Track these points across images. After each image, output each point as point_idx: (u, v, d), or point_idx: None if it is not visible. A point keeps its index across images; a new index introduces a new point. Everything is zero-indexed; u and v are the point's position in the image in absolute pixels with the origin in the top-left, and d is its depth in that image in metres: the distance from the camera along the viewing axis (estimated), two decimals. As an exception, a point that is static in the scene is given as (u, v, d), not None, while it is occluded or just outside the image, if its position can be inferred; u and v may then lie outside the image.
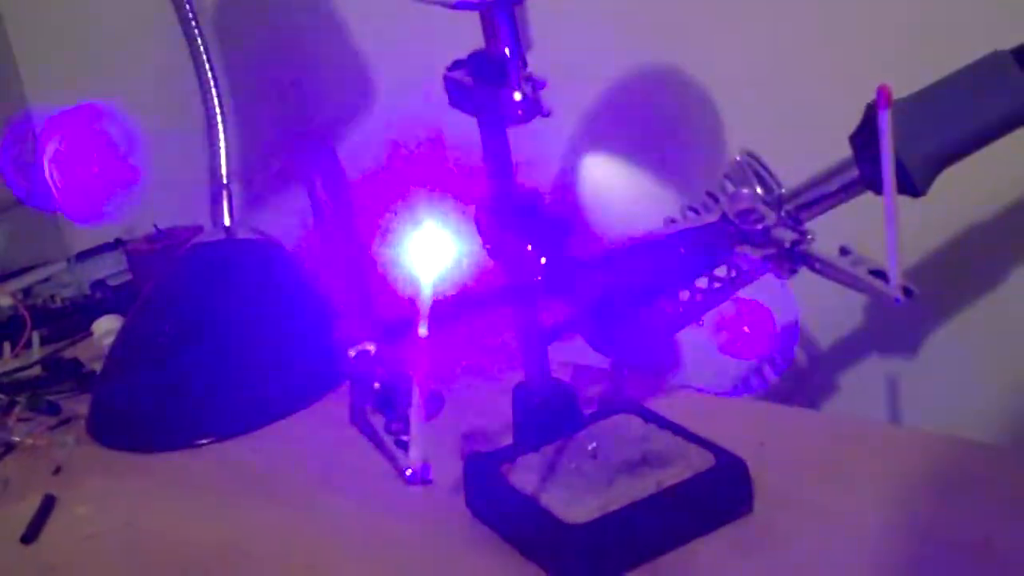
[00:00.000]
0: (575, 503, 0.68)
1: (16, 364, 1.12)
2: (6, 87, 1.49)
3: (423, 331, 0.55)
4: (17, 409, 1.01)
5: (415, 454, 0.58)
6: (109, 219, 0.97)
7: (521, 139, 0.68)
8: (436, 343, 0.57)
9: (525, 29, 0.63)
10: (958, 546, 0.65)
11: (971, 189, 0.76)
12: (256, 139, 1.14)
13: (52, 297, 1.28)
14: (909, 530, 0.67)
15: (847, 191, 0.68)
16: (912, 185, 0.64)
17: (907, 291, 0.61)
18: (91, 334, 1.16)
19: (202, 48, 1.05)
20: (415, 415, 0.57)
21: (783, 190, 0.69)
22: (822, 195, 0.69)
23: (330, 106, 1.24)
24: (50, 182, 0.91)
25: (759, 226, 0.67)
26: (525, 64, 0.64)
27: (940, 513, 0.68)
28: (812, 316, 0.94)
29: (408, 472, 0.58)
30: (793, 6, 0.88)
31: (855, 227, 0.67)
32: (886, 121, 0.58)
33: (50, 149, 0.91)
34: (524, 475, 0.72)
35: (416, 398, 0.57)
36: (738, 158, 0.70)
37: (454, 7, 0.63)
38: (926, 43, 0.81)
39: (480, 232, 0.70)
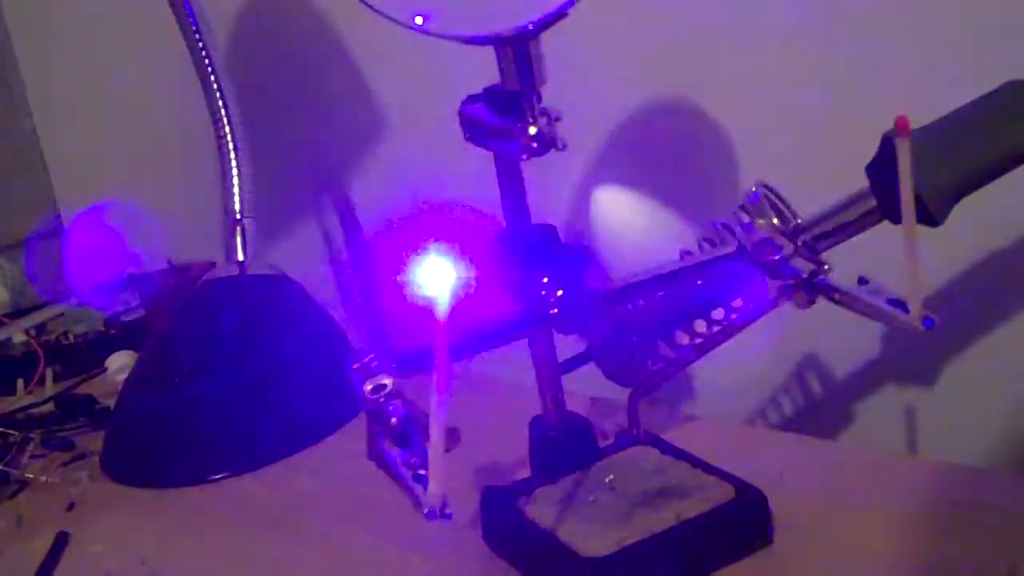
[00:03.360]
0: (593, 536, 0.68)
1: (30, 400, 1.12)
2: (18, 122, 1.50)
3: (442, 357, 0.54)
4: (30, 446, 1.01)
5: (434, 489, 0.57)
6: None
7: (536, 171, 0.69)
8: (453, 376, 0.57)
9: (540, 63, 0.64)
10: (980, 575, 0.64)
11: (988, 218, 0.76)
12: (270, 173, 1.14)
13: (65, 333, 1.28)
14: (930, 561, 0.66)
15: (864, 221, 0.68)
16: (929, 215, 0.64)
17: (928, 321, 0.60)
18: (105, 370, 1.16)
19: (215, 85, 1.05)
20: (434, 450, 0.57)
21: (799, 220, 0.69)
22: (839, 225, 0.69)
23: (343, 139, 1.24)
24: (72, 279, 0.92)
25: (776, 257, 0.66)
26: (540, 98, 0.64)
27: (961, 543, 0.67)
28: (829, 346, 0.93)
29: (427, 508, 0.58)
30: (808, 37, 0.88)
31: (872, 257, 0.67)
32: (905, 151, 0.58)
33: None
34: (541, 508, 0.72)
35: (435, 432, 0.56)
36: (754, 189, 0.70)
37: (468, 42, 0.64)
38: (942, 73, 0.81)
39: (495, 264, 0.70)
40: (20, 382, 1.17)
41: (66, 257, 0.89)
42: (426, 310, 0.57)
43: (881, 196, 0.66)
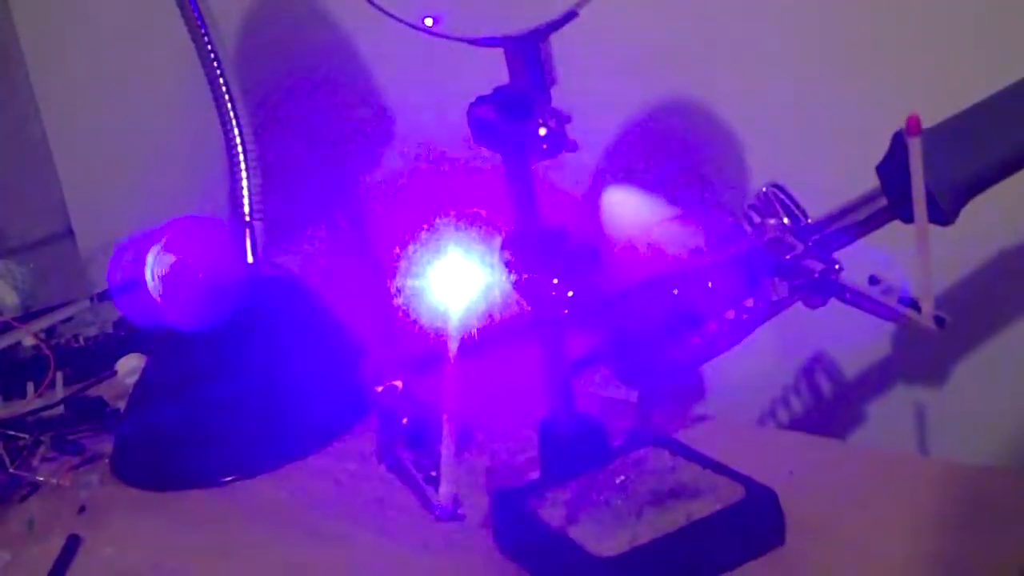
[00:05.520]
0: (605, 537, 0.68)
1: (40, 404, 1.12)
2: (27, 126, 1.50)
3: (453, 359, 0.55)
4: (41, 449, 1.01)
5: (445, 490, 0.58)
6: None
7: (546, 172, 0.69)
8: (464, 377, 0.57)
9: (550, 64, 0.64)
10: (991, 574, 0.64)
11: (999, 217, 0.76)
12: (278, 175, 1.14)
13: (76, 336, 1.28)
14: (941, 560, 0.66)
15: (875, 220, 0.68)
16: (940, 213, 0.64)
17: (939, 320, 0.60)
18: (115, 373, 1.16)
19: (223, 86, 1.05)
20: (445, 450, 0.57)
21: (809, 220, 0.69)
22: (850, 225, 0.69)
23: (351, 139, 1.24)
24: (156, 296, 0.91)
25: (787, 256, 0.66)
26: (549, 98, 0.64)
27: (972, 542, 0.67)
28: (838, 346, 0.93)
29: (439, 509, 0.58)
30: (819, 37, 0.88)
31: (882, 256, 0.67)
32: (916, 150, 0.58)
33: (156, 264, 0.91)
34: (552, 509, 0.72)
35: (446, 434, 0.57)
36: (764, 189, 0.70)
37: (478, 43, 0.64)
38: (953, 73, 0.81)
39: (506, 266, 0.70)
40: (30, 385, 1.17)
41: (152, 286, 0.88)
42: (438, 317, 0.57)
43: (892, 195, 0.66)
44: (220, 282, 0.95)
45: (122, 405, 1.07)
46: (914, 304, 0.63)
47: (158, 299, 0.90)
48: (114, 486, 0.96)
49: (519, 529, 0.73)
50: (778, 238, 0.67)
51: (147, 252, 0.91)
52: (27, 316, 1.34)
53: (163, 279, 0.91)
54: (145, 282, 0.90)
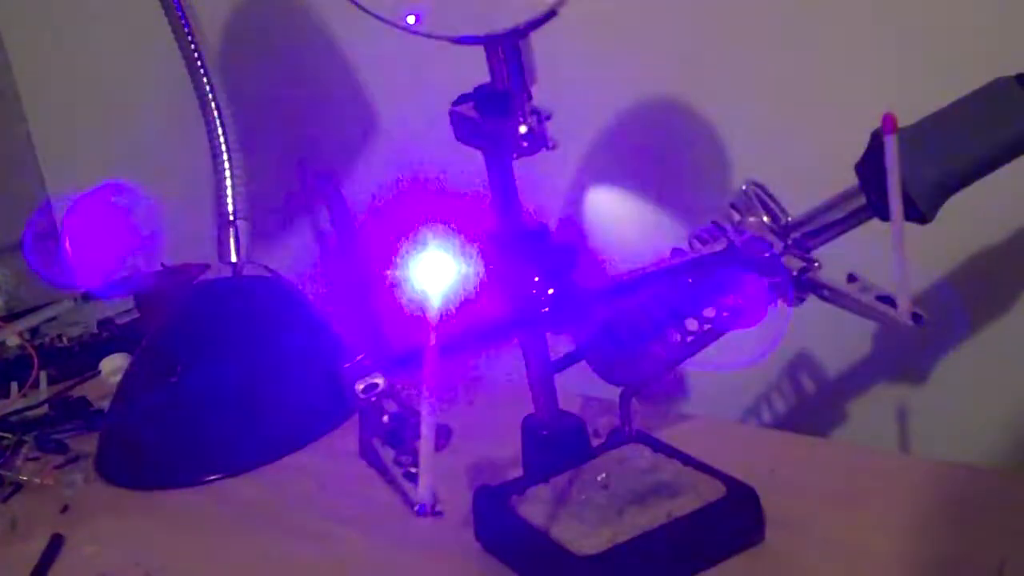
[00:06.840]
0: (586, 535, 0.68)
1: (24, 403, 1.12)
2: (12, 126, 1.50)
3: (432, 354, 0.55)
4: (25, 448, 1.01)
5: (424, 487, 0.58)
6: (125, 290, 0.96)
7: (527, 170, 0.69)
8: (444, 375, 0.57)
9: (530, 62, 0.64)
10: (971, 572, 0.64)
11: (978, 215, 0.76)
12: (262, 175, 1.14)
13: (60, 336, 1.28)
14: (921, 557, 0.66)
15: (854, 219, 0.68)
16: (919, 212, 0.65)
17: (916, 317, 0.61)
18: (99, 372, 1.16)
19: (208, 86, 1.05)
20: (424, 447, 0.57)
21: (789, 218, 0.69)
22: (829, 223, 0.69)
23: (335, 139, 1.25)
24: (71, 261, 0.91)
25: (766, 254, 0.67)
26: (530, 96, 0.64)
27: (952, 540, 0.68)
28: (821, 344, 0.94)
29: (417, 505, 0.58)
30: (796, 35, 0.88)
31: (862, 254, 0.68)
32: (892, 148, 0.59)
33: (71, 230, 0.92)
34: (534, 507, 0.72)
35: (425, 430, 0.57)
36: (744, 187, 0.70)
37: (459, 41, 0.64)
38: (930, 71, 0.82)
39: (487, 263, 0.70)
40: (14, 385, 1.16)
41: (66, 243, 0.88)
42: (417, 307, 0.57)
43: (870, 193, 0.66)
44: (129, 250, 0.95)
45: (106, 404, 1.07)
46: (892, 302, 0.63)
47: (68, 253, 0.90)
48: (98, 485, 0.96)
49: (501, 526, 0.73)
50: (758, 236, 0.68)
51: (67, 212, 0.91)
52: (11, 316, 1.34)
53: (74, 236, 0.91)
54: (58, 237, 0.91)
